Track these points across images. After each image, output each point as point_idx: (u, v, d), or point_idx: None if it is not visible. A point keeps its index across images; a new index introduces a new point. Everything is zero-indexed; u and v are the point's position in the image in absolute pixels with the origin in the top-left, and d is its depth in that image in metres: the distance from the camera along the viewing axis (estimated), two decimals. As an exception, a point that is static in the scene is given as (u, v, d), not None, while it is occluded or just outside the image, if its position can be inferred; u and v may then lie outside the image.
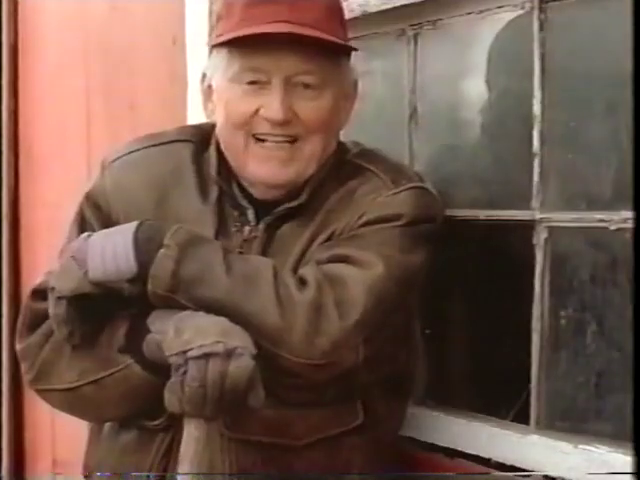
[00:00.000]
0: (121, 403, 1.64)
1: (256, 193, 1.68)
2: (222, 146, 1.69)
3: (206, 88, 1.70)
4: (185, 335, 1.47)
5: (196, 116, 2.33)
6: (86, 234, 1.61)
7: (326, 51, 1.61)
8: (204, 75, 1.71)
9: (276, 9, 1.59)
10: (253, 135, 1.63)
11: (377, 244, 1.60)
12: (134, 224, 1.58)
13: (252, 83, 1.61)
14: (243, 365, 1.45)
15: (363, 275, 1.57)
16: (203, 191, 1.70)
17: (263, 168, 1.63)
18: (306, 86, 1.61)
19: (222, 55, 1.64)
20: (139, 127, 2.64)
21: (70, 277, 1.55)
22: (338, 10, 1.69)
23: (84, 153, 2.98)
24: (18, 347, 1.69)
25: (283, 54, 1.59)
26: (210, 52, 1.69)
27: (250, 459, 1.62)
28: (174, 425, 1.60)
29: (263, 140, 1.62)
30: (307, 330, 1.52)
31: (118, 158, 1.75)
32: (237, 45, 1.61)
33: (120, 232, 1.57)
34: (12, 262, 3.41)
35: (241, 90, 1.62)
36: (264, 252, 1.65)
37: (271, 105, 1.59)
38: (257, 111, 1.61)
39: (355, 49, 1.68)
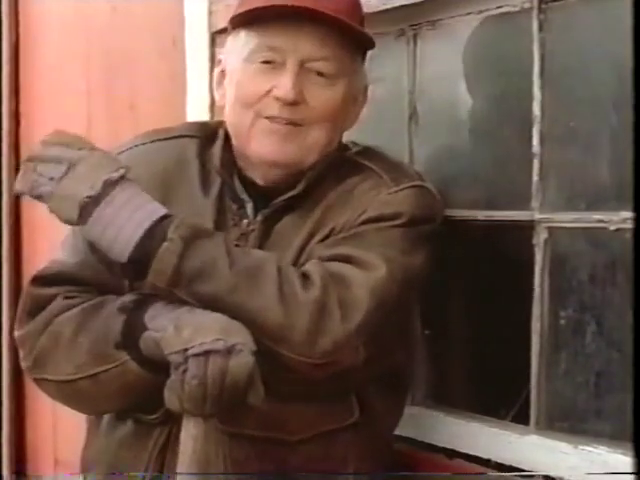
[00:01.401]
0: (117, 397, 1.63)
1: (257, 177, 1.67)
2: (228, 127, 1.68)
3: (219, 73, 1.71)
4: (185, 333, 1.47)
5: (196, 116, 2.34)
6: (123, 168, 1.54)
7: (345, 39, 1.61)
8: (219, 61, 1.72)
9: None
10: (263, 117, 1.62)
11: (379, 245, 1.60)
12: (150, 217, 1.52)
13: (266, 62, 1.61)
14: (243, 362, 1.45)
15: (366, 277, 1.56)
16: (205, 185, 1.70)
17: (265, 142, 1.62)
18: (320, 74, 1.61)
19: (240, 36, 1.65)
20: (139, 127, 2.64)
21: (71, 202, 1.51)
22: (359, 8, 1.69)
23: (85, 153, 2.98)
24: (17, 334, 1.68)
25: (302, 36, 1.59)
26: (227, 35, 1.69)
27: (244, 453, 1.61)
28: (171, 419, 1.59)
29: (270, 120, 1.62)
30: (310, 329, 1.52)
31: (123, 151, 1.74)
32: (257, 23, 1.60)
33: (136, 216, 1.52)
34: (13, 257, 3.41)
35: (254, 69, 1.62)
36: (261, 246, 1.64)
37: (283, 85, 1.59)
38: (268, 92, 1.61)
39: (374, 44, 1.67)
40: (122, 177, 1.53)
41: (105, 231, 1.52)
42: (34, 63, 3.31)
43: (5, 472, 3.43)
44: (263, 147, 1.63)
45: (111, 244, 1.53)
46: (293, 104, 1.60)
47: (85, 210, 1.51)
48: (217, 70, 1.72)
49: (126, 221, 1.52)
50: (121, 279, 1.61)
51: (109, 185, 1.52)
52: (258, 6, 1.59)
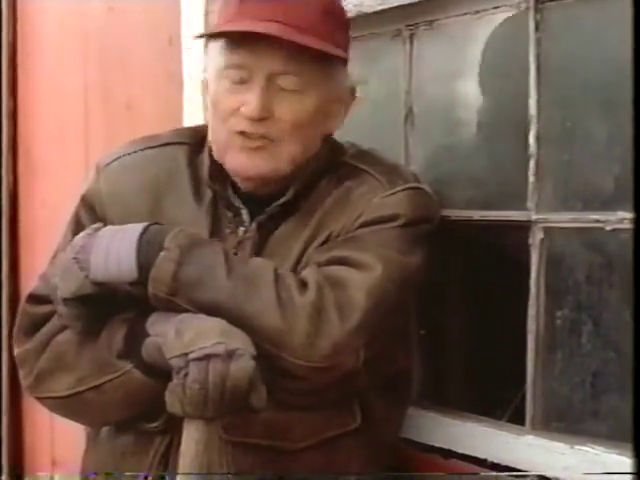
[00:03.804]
0: (121, 407, 1.63)
1: (244, 188, 1.68)
2: (209, 136, 1.68)
3: (204, 82, 1.71)
4: (186, 337, 1.47)
5: (192, 115, 2.34)
6: (93, 227, 1.60)
7: (313, 55, 1.60)
8: (205, 69, 1.72)
9: (272, 7, 1.58)
10: (235, 132, 1.62)
11: (376, 246, 1.60)
12: (140, 227, 1.57)
13: (236, 79, 1.61)
14: (244, 366, 1.45)
15: (363, 277, 1.56)
16: (197, 193, 1.70)
17: (238, 157, 1.62)
18: (288, 87, 1.60)
19: (216, 48, 1.65)
20: (136, 126, 2.65)
21: (72, 278, 1.55)
22: (338, 14, 1.68)
23: (82, 152, 2.98)
24: (16, 351, 1.70)
25: (267, 53, 1.58)
26: (206, 45, 1.70)
27: (247, 462, 1.61)
28: (172, 427, 1.59)
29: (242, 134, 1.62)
30: (308, 332, 1.52)
31: (113, 161, 1.75)
32: (228, 40, 1.61)
33: (126, 235, 1.57)
34: (11, 261, 3.41)
35: (226, 86, 1.62)
36: (258, 253, 1.64)
37: (250, 102, 1.59)
38: (238, 109, 1.61)
39: (346, 59, 1.66)
40: (98, 229, 1.60)
41: (107, 261, 1.54)
42: (32, 63, 3.31)
43: (3, 472, 3.43)
44: (236, 162, 1.63)
45: (118, 268, 1.54)
46: (261, 120, 1.59)
47: (82, 263, 1.55)
48: (204, 79, 1.72)
49: (120, 242, 1.55)
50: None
51: (90, 235, 1.58)
52: (226, 30, 1.60)
